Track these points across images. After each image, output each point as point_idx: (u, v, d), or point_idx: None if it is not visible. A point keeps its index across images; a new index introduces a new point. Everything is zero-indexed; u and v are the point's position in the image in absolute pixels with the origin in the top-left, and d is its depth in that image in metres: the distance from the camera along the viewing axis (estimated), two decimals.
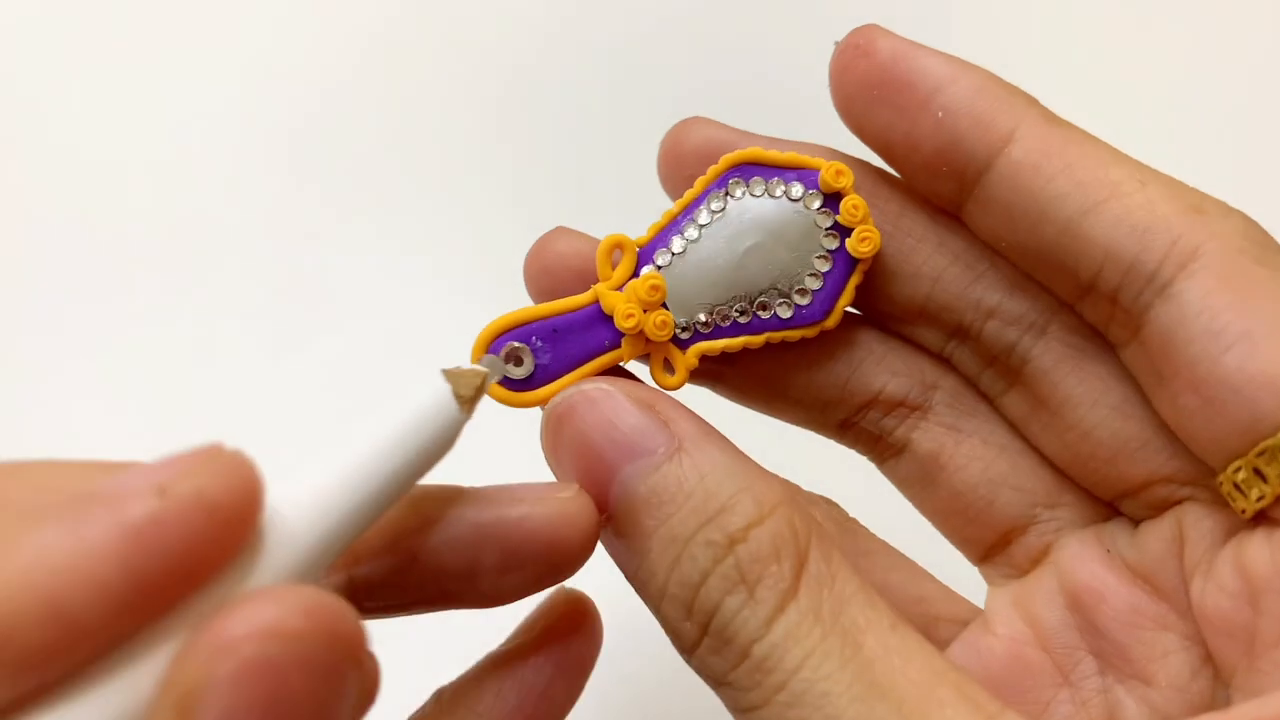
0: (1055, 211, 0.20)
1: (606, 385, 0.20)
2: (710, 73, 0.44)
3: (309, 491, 0.16)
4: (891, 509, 0.25)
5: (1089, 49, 0.45)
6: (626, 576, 0.20)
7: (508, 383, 0.22)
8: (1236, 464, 0.18)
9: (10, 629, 0.12)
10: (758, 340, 0.22)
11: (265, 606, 0.13)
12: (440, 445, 0.18)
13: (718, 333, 0.22)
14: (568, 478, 0.20)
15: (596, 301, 0.22)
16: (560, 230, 0.23)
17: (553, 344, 0.22)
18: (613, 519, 0.20)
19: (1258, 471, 0.18)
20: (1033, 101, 0.21)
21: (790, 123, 0.25)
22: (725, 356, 0.23)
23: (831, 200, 0.22)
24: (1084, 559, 0.22)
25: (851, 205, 0.22)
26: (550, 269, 0.23)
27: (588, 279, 0.22)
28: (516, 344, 0.22)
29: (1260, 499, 0.18)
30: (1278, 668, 0.18)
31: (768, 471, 0.20)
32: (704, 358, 0.23)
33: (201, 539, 0.13)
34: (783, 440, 0.26)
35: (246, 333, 0.41)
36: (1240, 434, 0.18)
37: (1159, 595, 0.21)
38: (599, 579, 0.21)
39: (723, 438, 0.20)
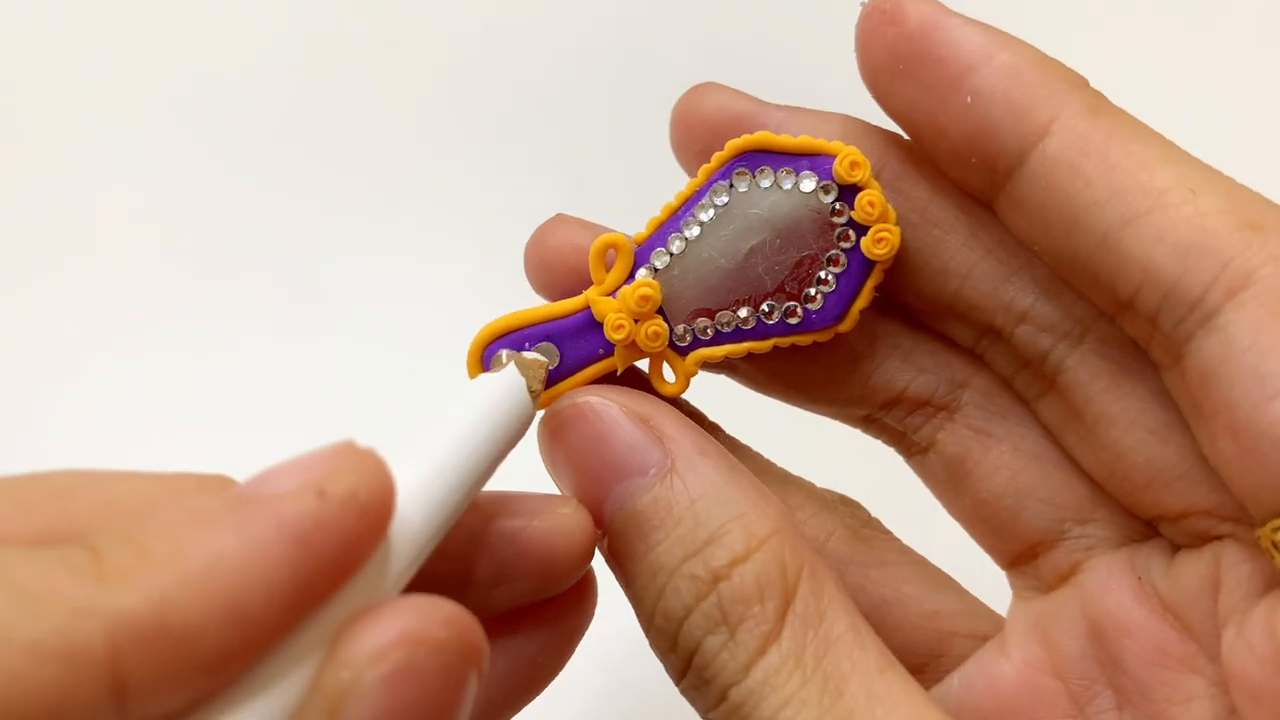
0: (1092, 220, 0.17)
1: (600, 397, 0.20)
2: (730, 36, 0.41)
3: (413, 487, 0.16)
4: (922, 502, 0.24)
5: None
6: (622, 590, 0.20)
7: None
8: (1276, 523, 0.16)
9: (198, 630, 0.13)
10: (764, 346, 0.21)
11: (410, 616, 0.14)
12: (516, 436, 0.19)
13: (720, 338, 0.21)
14: (564, 489, 0.20)
15: (589, 307, 0.21)
16: (559, 219, 0.22)
17: (546, 351, 0.21)
18: (606, 536, 0.19)
19: None
20: (1078, 84, 0.18)
21: (816, 89, 0.22)
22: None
23: (847, 193, 0.20)
24: (1112, 587, 0.20)
25: (868, 201, 0.20)
26: (549, 263, 0.22)
27: (587, 274, 0.21)
28: (505, 352, 0.21)
29: None
30: None
31: (766, 493, 0.19)
32: (707, 362, 0.21)
33: (355, 538, 0.14)
34: (806, 425, 0.25)
35: (248, 334, 0.42)
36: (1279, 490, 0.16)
37: (1189, 635, 0.19)
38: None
39: (721, 454, 0.19)
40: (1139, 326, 0.18)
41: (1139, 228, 0.17)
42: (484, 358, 0.22)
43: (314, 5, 0.44)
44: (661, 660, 0.19)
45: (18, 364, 0.41)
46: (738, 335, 0.21)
